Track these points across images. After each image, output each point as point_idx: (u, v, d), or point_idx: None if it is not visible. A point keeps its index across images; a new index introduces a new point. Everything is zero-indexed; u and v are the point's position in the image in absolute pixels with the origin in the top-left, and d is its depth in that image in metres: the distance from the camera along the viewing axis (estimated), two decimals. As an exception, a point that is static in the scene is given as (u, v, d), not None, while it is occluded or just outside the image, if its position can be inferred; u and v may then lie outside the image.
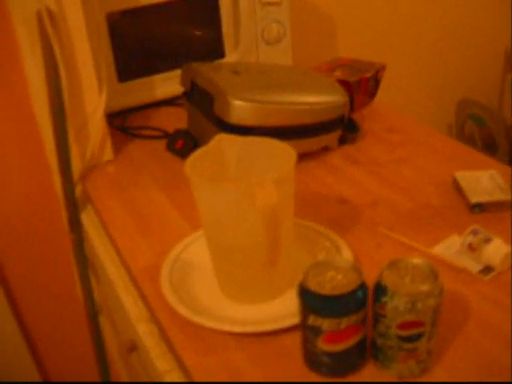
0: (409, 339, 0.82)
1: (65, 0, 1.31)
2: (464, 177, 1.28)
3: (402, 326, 0.81)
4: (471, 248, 1.06)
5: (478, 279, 1.03)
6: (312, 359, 0.88)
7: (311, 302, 0.82)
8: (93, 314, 1.63)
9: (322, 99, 1.39)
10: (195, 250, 1.11)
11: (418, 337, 0.82)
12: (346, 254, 1.05)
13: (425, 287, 0.80)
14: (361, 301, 0.82)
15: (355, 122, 1.53)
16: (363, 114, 1.63)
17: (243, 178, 1.00)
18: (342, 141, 1.49)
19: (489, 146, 2.81)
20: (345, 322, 0.81)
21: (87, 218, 1.46)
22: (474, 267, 1.06)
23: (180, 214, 1.27)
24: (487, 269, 1.05)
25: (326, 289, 0.81)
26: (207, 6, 1.73)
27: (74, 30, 1.35)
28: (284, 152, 0.96)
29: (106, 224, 1.29)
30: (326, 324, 0.81)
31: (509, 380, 0.85)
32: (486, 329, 0.94)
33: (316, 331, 0.83)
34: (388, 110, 1.69)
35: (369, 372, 0.88)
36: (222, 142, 1.00)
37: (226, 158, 1.01)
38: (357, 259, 1.07)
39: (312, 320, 0.82)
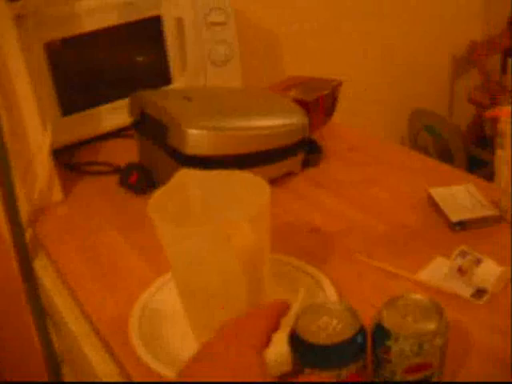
0: (417, 383, 0.75)
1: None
2: (439, 193, 1.22)
3: (409, 370, 0.74)
4: (461, 271, 1.00)
5: (471, 304, 0.97)
6: None
7: (305, 353, 0.73)
8: (54, 368, 1.53)
9: (282, 122, 1.32)
10: (164, 297, 1.02)
11: (427, 379, 0.75)
12: (329, 290, 0.98)
13: (431, 326, 0.73)
14: (361, 347, 0.74)
15: (316, 142, 1.46)
16: (322, 134, 1.56)
17: (213, 218, 0.92)
18: (305, 164, 1.42)
19: (444, 157, 2.78)
20: (345, 373, 0.73)
21: (40, 265, 1.35)
22: (466, 291, 0.99)
23: (141, 257, 1.18)
24: (480, 292, 0.98)
25: (322, 337, 0.72)
26: (151, 30, 1.66)
27: (11, 63, 1.26)
28: (255, 185, 0.88)
29: (60, 271, 1.20)
30: (323, 377, 0.73)
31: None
32: (489, 358, 0.87)
33: None
34: (346, 128, 1.63)
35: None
36: (185, 178, 0.92)
37: (191, 195, 0.93)
38: (339, 293, 0.99)
39: (308, 373, 0.74)
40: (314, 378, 0.72)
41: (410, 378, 0.74)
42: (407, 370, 0.74)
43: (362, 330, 0.74)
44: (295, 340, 0.74)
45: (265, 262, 0.86)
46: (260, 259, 0.82)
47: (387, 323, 0.73)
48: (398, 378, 0.75)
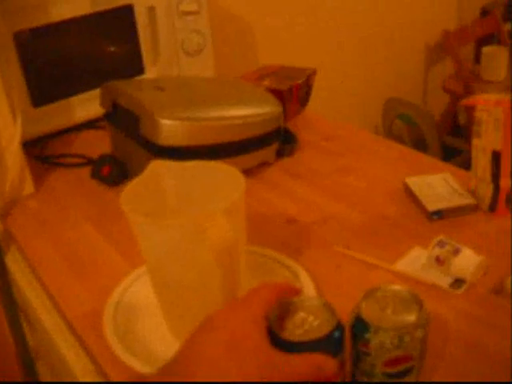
0: (397, 375, 0.74)
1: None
2: (416, 183, 1.21)
3: (389, 363, 0.72)
4: (439, 261, 0.99)
5: (450, 294, 0.96)
6: None
7: (281, 350, 0.71)
8: (28, 364, 1.50)
9: (257, 111, 1.30)
10: (138, 290, 0.99)
11: (407, 372, 0.74)
12: (306, 282, 0.96)
13: (411, 318, 0.71)
14: (338, 344, 0.72)
15: (291, 132, 1.44)
16: (296, 124, 1.55)
17: (186, 210, 0.90)
18: (279, 154, 1.40)
19: (418, 145, 2.77)
20: None
21: (12, 260, 1.32)
22: (444, 281, 0.98)
23: (115, 250, 1.16)
24: (458, 281, 0.98)
25: (297, 334, 0.70)
26: (122, 19, 1.63)
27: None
28: (230, 175, 0.86)
29: (33, 266, 1.17)
30: None
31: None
32: (469, 348, 0.86)
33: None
34: (321, 117, 1.61)
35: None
36: (159, 169, 0.90)
37: (165, 187, 0.91)
38: (316, 285, 0.97)
39: None
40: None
41: (390, 370, 0.73)
42: (387, 362, 0.72)
43: (339, 326, 0.72)
44: (271, 337, 0.71)
45: (240, 254, 0.84)
46: (235, 251, 0.79)
47: (366, 315, 0.72)
48: (377, 371, 0.73)
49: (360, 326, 0.72)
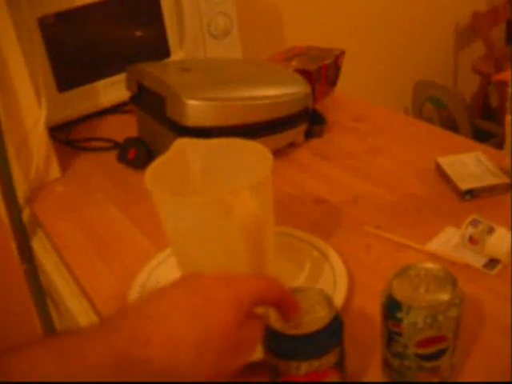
0: (430, 357, 0.71)
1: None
2: (447, 162, 1.18)
3: (422, 344, 0.69)
4: (472, 241, 0.96)
5: (484, 275, 0.93)
6: None
7: (269, 339, 0.69)
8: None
9: (284, 91, 1.28)
10: (164, 273, 0.97)
11: (441, 353, 0.71)
12: (336, 263, 0.94)
13: (445, 297, 0.68)
14: (335, 337, 0.69)
15: (320, 113, 1.41)
16: (325, 105, 1.52)
17: (212, 188, 0.88)
18: (308, 135, 1.38)
19: (449, 128, 2.73)
20: (317, 364, 0.68)
21: (39, 245, 1.32)
22: (478, 262, 0.95)
23: (141, 233, 1.14)
24: (492, 262, 0.95)
25: (292, 326, 0.68)
26: (147, 3, 1.61)
27: (2, 39, 1.22)
28: (256, 153, 0.84)
29: (59, 250, 1.16)
30: (282, 366, 0.69)
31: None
32: (505, 330, 0.83)
33: (275, 373, 0.71)
34: (351, 98, 1.58)
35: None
36: (184, 147, 0.88)
37: (190, 165, 0.89)
38: (346, 265, 0.95)
39: (269, 359, 0.71)
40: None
41: (423, 352, 0.70)
42: (420, 343, 0.69)
43: (336, 319, 0.69)
44: (266, 331, 0.69)
45: (268, 233, 0.82)
46: (263, 231, 0.77)
47: (398, 294, 0.69)
48: (409, 352, 0.70)
49: (392, 305, 0.70)
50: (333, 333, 0.69)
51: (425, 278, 0.71)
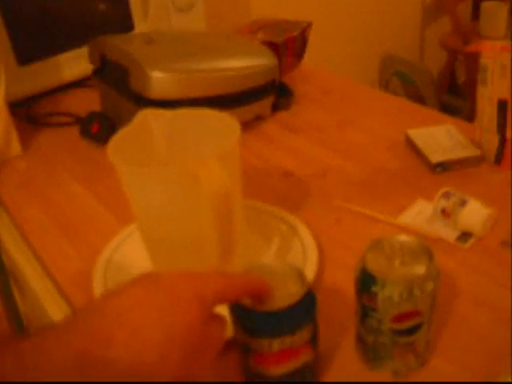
0: (406, 333, 0.69)
1: None
2: (418, 134, 1.16)
3: (398, 319, 0.67)
4: (445, 214, 0.94)
5: (457, 248, 0.92)
6: (250, 380, 0.73)
7: (239, 317, 0.67)
8: (20, 331, 1.46)
9: (251, 63, 1.26)
10: (129, 249, 0.95)
11: (416, 328, 0.69)
12: (305, 236, 0.92)
13: (421, 270, 0.66)
14: (308, 312, 0.67)
15: (287, 85, 1.39)
16: (293, 78, 1.49)
17: (178, 159, 0.85)
18: (275, 108, 1.35)
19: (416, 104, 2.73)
20: (277, 344, 0.66)
21: (0, 223, 1.27)
22: (450, 235, 0.94)
23: (105, 209, 1.11)
24: (465, 235, 0.93)
25: (259, 303, 0.66)
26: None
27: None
28: (223, 123, 0.82)
29: (22, 228, 1.12)
30: (253, 344, 0.67)
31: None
32: (479, 303, 0.83)
33: (247, 351, 0.69)
34: (318, 70, 1.56)
35: (360, 373, 0.75)
36: (148, 118, 0.85)
37: (155, 137, 0.86)
38: (316, 239, 0.92)
39: (240, 337, 0.69)
40: None
41: (398, 327, 0.68)
42: (395, 318, 0.68)
43: (309, 294, 0.67)
44: (237, 308, 0.67)
45: (237, 206, 0.79)
46: (231, 203, 0.75)
47: (372, 268, 0.67)
48: (384, 327, 0.69)
49: (366, 279, 0.67)
50: (305, 308, 0.67)
51: (399, 250, 0.69)
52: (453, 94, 3.02)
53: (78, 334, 0.54)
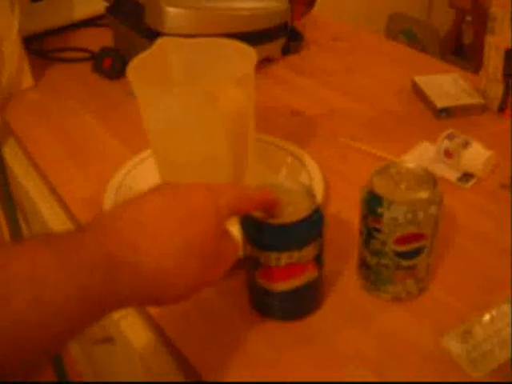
0: (408, 255, 0.72)
1: None
2: (424, 81, 1.18)
3: (401, 241, 0.70)
4: (448, 154, 0.97)
5: (458, 188, 0.95)
6: (255, 298, 0.77)
7: (250, 230, 0.70)
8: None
9: (264, 4, 1.27)
10: (141, 174, 0.97)
11: (418, 252, 0.72)
12: (312, 169, 0.94)
13: (425, 194, 0.69)
14: (310, 232, 0.69)
15: (298, 30, 1.41)
16: (303, 24, 1.51)
17: (196, 84, 0.87)
18: (285, 51, 1.37)
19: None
20: (284, 259, 0.69)
21: (10, 153, 1.29)
22: (452, 175, 0.96)
23: (116, 139, 1.13)
24: (466, 176, 0.96)
25: (270, 217, 0.68)
26: None
27: None
28: (239, 51, 0.84)
29: (33, 156, 1.14)
30: (262, 258, 0.70)
31: (507, 289, 0.76)
32: (478, 239, 0.85)
33: (254, 266, 0.71)
34: (329, 18, 1.57)
35: (359, 299, 0.78)
36: (166, 45, 0.87)
37: (173, 63, 0.87)
38: (323, 173, 0.95)
39: (250, 251, 0.71)
40: None
41: (401, 249, 0.71)
42: (399, 240, 0.70)
43: (317, 211, 0.69)
44: (248, 221, 0.69)
45: (250, 131, 0.81)
46: (246, 126, 0.77)
47: (379, 190, 0.69)
48: (388, 249, 0.71)
49: (372, 200, 0.70)
50: (314, 224, 0.69)
51: (405, 175, 0.71)
52: (458, 55, 3.02)
53: (109, 237, 0.56)
